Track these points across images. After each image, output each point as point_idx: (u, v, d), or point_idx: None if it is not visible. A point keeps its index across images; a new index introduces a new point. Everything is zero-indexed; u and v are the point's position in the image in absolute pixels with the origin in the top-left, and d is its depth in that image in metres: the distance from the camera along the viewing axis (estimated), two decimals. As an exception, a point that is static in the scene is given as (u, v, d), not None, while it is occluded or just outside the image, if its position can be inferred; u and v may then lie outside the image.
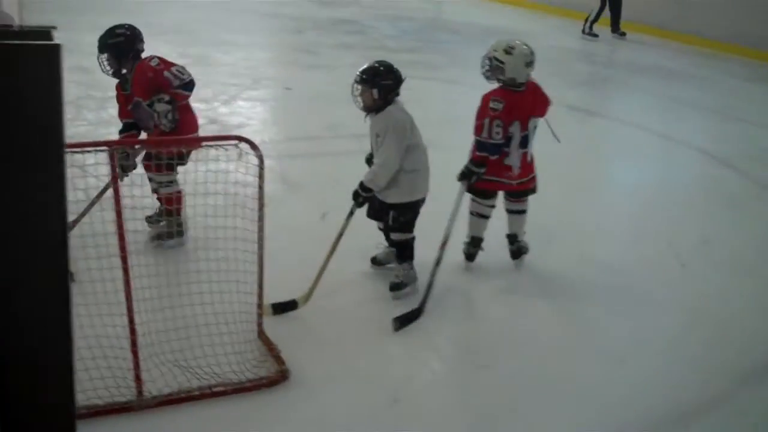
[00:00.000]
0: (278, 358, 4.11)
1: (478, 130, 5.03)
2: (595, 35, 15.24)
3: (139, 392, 3.73)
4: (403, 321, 4.66)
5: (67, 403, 0.89)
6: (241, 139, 3.94)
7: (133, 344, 3.73)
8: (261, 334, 4.28)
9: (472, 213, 5.39)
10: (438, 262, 4.95)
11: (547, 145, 5.30)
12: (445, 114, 8.74)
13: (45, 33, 0.83)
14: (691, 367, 4.54)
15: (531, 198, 5.38)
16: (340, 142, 7.69)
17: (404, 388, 4.12)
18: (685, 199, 7.39)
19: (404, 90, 4.76)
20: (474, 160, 5.09)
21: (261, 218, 4.08)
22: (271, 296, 4.27)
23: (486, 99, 5.06)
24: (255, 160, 4.03)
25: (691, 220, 6.77)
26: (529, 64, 5.07)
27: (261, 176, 4.02)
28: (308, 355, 4.22)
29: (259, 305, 4.24)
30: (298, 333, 4.42)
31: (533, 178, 5.30)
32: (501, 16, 15.73)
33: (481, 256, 5.43)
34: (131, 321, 3.73)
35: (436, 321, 4.76)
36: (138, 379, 3.74)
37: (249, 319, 4.22)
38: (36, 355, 0.86)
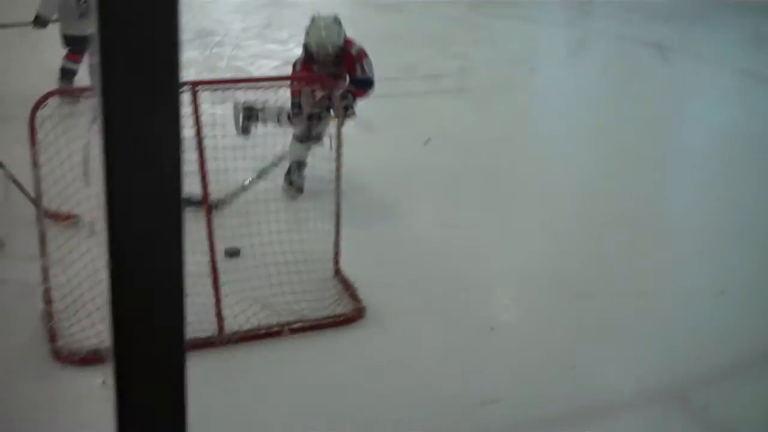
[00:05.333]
0: (354, 296, 4.16)
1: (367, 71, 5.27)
2: None
3: (221, 328, 3.83)
4: None
5: (179, 326, 0.92)
6: (319, 79, 3.97)
7: (215, 281, 3.83)
8: (338, 272, 4.34)
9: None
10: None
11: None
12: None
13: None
14: None
15: None
16: (415, 82, 7.65)
17: (499, 317, 4.13)
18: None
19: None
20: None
21: (338, 158, 4.11)
22: (348, 234, 4.29)
23: (361, 50, 5.29)
24: (332, 101, 4.05)
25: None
26: None
27: (339, 116, 4.04)
28: (386, 292, 4.23)
29: (336, 243, 4.29)
30: (376, 271, 4.42)
31: None
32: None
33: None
34: (213, 259, 3.82)
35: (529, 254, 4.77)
36: (219, 315, 3.83)
37: (326, 258, 4.28)
38: (151, 278, 0.89)
